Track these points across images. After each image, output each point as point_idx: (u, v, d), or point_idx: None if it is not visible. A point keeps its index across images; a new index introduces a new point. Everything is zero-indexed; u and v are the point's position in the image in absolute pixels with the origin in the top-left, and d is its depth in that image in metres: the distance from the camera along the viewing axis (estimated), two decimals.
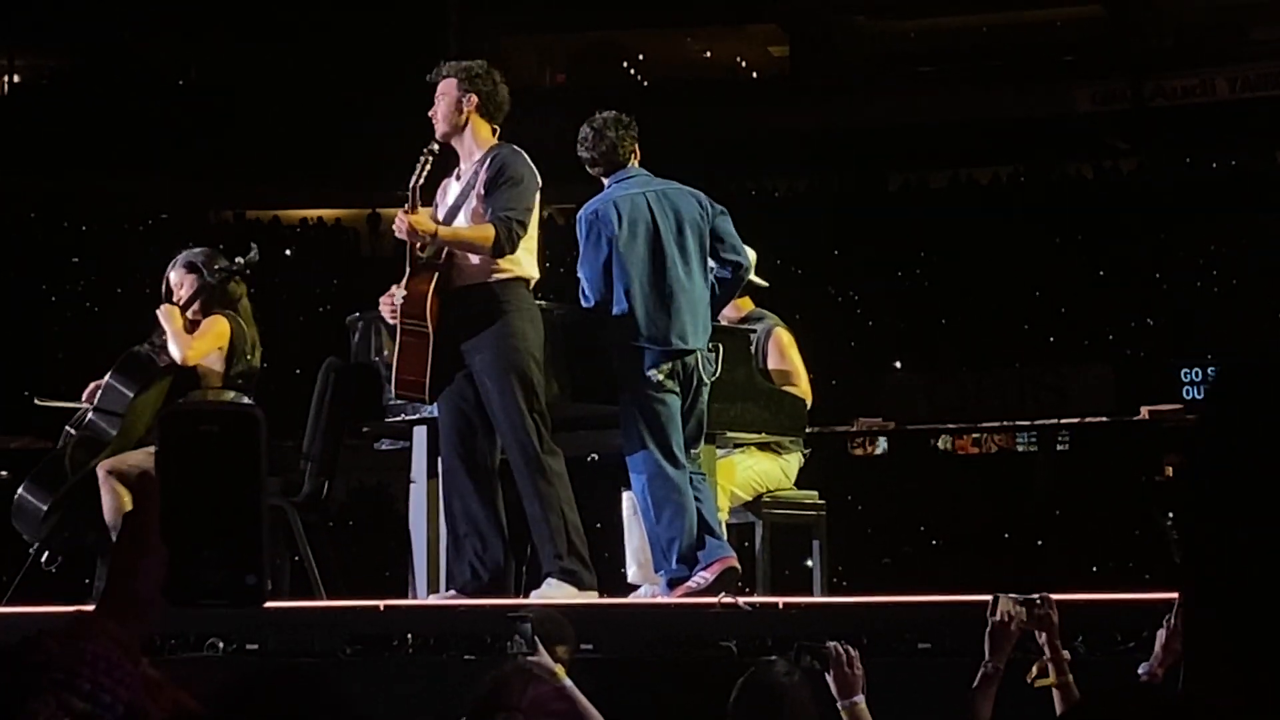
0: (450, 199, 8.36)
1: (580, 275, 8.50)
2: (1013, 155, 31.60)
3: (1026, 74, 32.49)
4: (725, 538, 8.49)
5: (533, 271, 8.20)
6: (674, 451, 8.23)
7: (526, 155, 8.25)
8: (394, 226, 8.23)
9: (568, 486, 8.09)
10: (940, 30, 34.07)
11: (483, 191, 8.11)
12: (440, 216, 8.33)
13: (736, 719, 5.34)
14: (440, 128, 8.30)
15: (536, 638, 5.65)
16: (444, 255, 8.15)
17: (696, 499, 8.31)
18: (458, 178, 8.37)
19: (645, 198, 8.44)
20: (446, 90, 8.28)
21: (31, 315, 27.51)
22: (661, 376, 8.27)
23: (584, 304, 8.48)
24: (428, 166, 8.21)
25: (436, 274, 8.11)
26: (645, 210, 8.41)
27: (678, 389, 8.33)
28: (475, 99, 8.25)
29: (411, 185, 8.13)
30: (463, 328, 8.06)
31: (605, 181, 8.58)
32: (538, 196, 8.23)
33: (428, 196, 8.41)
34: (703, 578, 8.11)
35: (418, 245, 8.12)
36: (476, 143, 8.29)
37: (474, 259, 8.10)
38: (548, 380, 8.18)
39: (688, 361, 8.36)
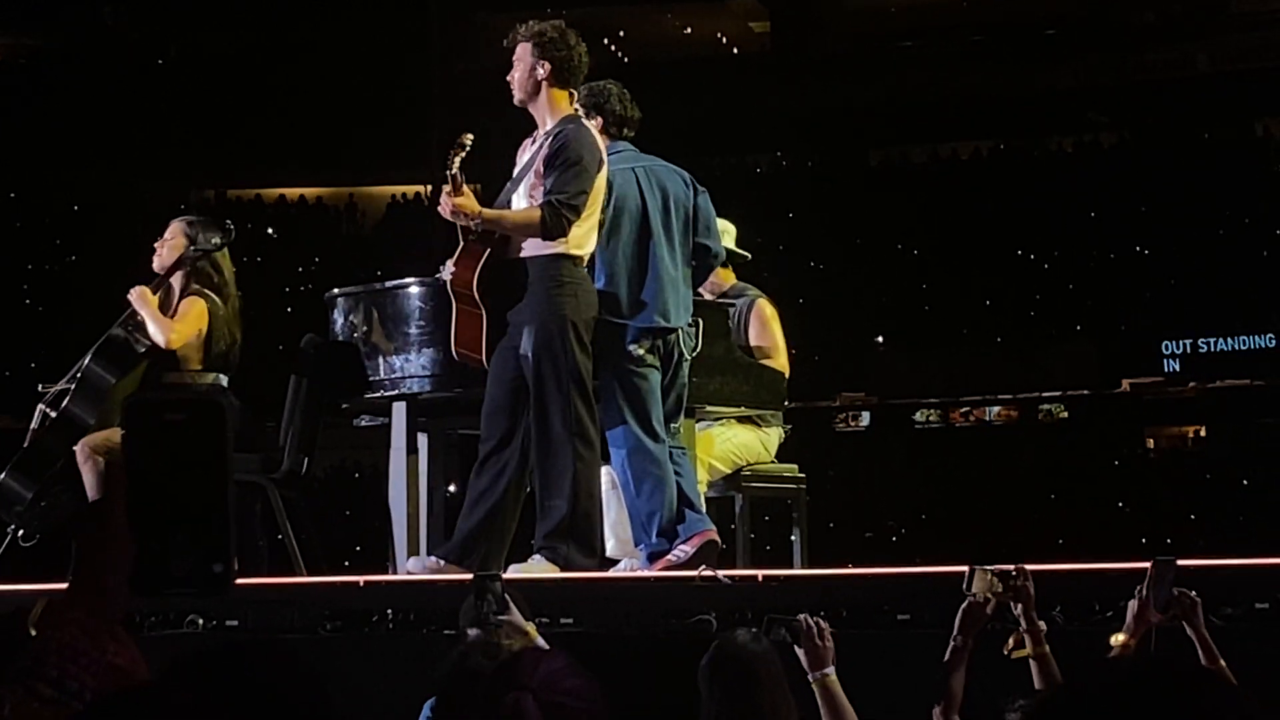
0: (519, 165, 8.31)
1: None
2: (994, 130, 31.60)
3: (1007, 49, 32.46)
4: (705, 511, 8.49)
5: (585, 247, 8.08)
6: (654, 426, 8.21)
7: (592, 131, 8.12)
8: (439, 208, 8.18)
9: (590, 476, 8.02)
10: (921, 5, 34.03)
11: (541, 168, 8.04)
12: (514, 177, 8.29)
13: (708, 690, 5.34)
14: (516, 94, 8.18)
15: (507, 596, 5.64)
16: (496, 233, 8.11)
17: (676, 473, 8.30)
18: (534, 141, 8.27)
19: (634, 173, 8.40)
20: (521, 56, 8.13)
21: (8, 295, 27.48)
22: (642, 352, 8.25)
23: None
24: (459, 156, 8.03)
25: (487, 252, 8.06)
26: (634, 187, 8.36)
27: (658, 364, 8.32)
28: (549, 66, 8.09)
29: (449, 174, 8.01)
30: (510, 301, 8.03)
31: None
32: (601, 175, 8.06)
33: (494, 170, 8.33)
34: (682, 551, 8.11)
35: (472, 224, 8.08)
36: (550, 112, 8.15)
37: None
38: None
39: (668, 337, 8.35)
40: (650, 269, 8.31)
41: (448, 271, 8.09)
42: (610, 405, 8.23)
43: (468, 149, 8.05)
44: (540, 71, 8.11)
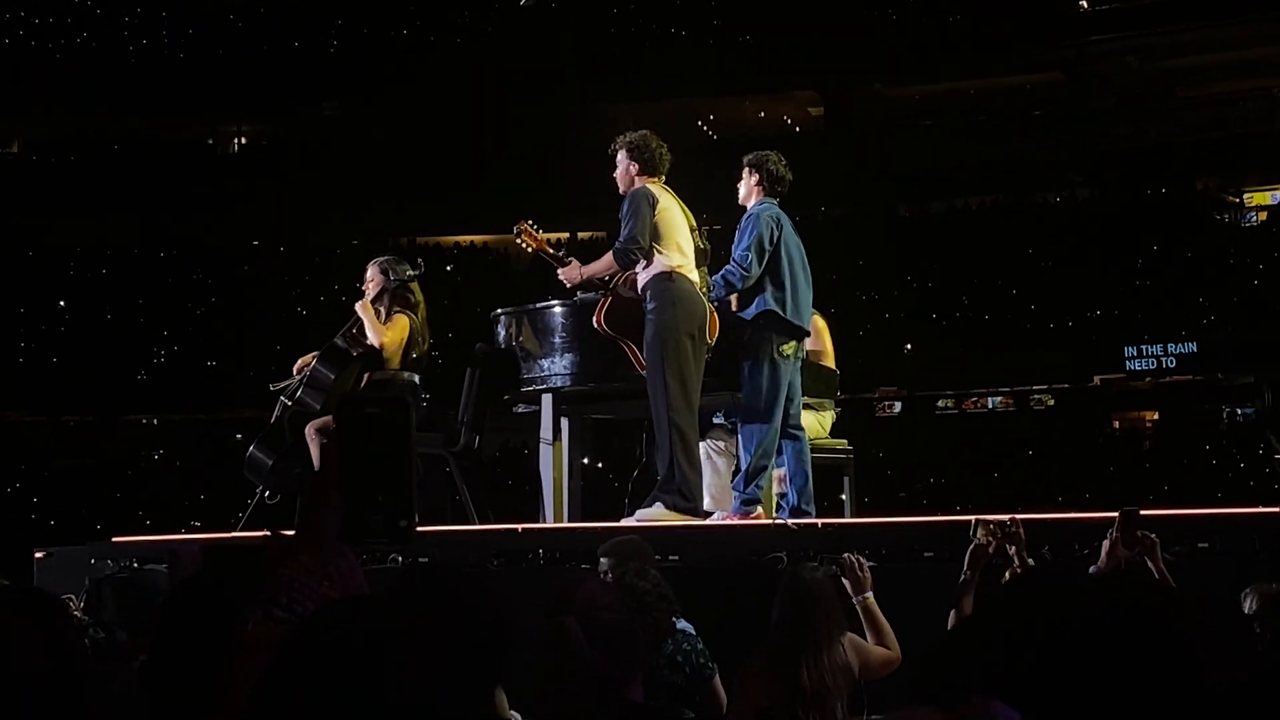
0: None
1: (736, 258, 8.48)
2: (995, 188, 31.37)
3: (1005, 124, 32.23)
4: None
5: (675, 262, 8.16)
6: (777, 410, 8.29)
7: (650, 188, 8.26)
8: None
9: (688, 443, 8.06)
10: (939, 93, 33.83)
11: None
12: None
13: (780, 608, 5.35)
14: (621, 186, 8.40)
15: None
16: (611, 280, 8.33)
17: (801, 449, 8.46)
18: None
19: (785, 221, 8.52)
20: (620, 160, 8.42)
21: (274, 321, 27.81)
22: (789, 352, 8.37)
23: (733, 280, 8.44)
24: (530, 239, 8.67)
25: (609, 300, 8.28)
26: (790, 230, 8.59)
27: (794, 361, 8.41)
28: (636, 166, 8.35)
29: (546, 256, 8.52)
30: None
31: (750, 202, 8.62)
32: (660, 206, 8.21)
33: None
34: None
35: (578, 282, 8.40)
36: None
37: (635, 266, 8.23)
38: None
39: (801, 340, 8.45)
40: (796, 287, 8.41)
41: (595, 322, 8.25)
42: (751, 388, 8.27)
43: (532, 228, 8.61)
44: (632, 170, 8.34)
